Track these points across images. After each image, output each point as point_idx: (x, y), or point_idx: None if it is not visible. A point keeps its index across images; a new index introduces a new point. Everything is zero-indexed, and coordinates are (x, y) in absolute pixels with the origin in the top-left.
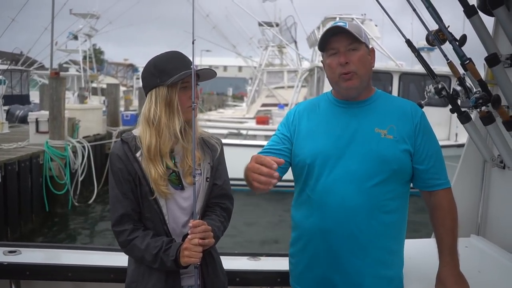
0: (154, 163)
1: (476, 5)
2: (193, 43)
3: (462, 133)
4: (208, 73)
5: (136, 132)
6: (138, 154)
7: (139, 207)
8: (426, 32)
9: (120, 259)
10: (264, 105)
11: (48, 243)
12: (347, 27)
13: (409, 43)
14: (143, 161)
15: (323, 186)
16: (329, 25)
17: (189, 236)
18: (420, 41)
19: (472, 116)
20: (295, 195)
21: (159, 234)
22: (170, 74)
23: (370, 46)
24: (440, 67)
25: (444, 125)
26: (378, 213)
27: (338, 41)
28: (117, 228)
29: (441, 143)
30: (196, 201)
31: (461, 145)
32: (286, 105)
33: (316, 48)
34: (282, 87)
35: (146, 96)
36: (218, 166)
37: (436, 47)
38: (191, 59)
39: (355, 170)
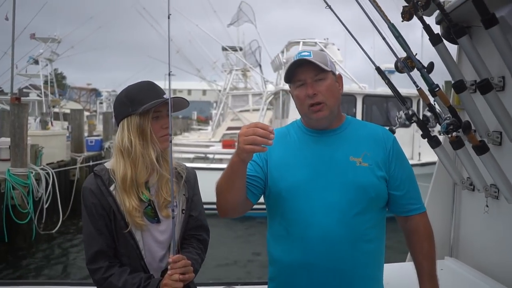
0: (128, 195)
1: (440, 34)
2: (169, 75)
3: (425, 152)
4: (180, 102)
5: (108, 165)
6: (112, 188)
7: (114, 243)
8: (383, 54)
9: None
10: (229, 128)
11: (8, 280)
12: (311, 57)
13: (379, 70)
14: (117, 195)
15: (303, 220)
16: (293, 49)
17: (169, 272)
18: (384, 64)
19: (441, 139)
20: (270, 228)
21: (136, 270)
22: (141, 102)
23: (337, 73)
24: (400, 89)
25: (407, 145)
26: (361, 243)
27: (304, 72)
28: (92, 266)
29: None
30: (174, 234)
31: (425, 164)
32: None
33: (281, 71)
34: (248, 110)
35: (117, 126)
36: (193, 197)
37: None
38: (163, 89)
39: (335, 202)
